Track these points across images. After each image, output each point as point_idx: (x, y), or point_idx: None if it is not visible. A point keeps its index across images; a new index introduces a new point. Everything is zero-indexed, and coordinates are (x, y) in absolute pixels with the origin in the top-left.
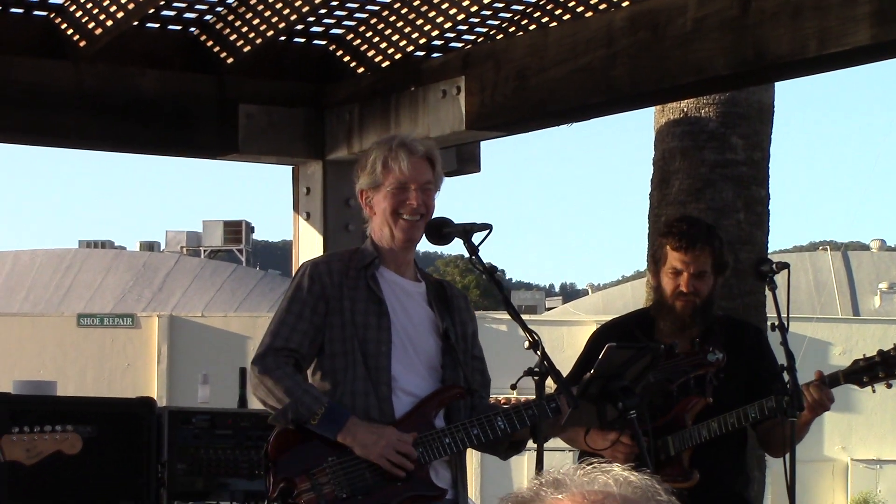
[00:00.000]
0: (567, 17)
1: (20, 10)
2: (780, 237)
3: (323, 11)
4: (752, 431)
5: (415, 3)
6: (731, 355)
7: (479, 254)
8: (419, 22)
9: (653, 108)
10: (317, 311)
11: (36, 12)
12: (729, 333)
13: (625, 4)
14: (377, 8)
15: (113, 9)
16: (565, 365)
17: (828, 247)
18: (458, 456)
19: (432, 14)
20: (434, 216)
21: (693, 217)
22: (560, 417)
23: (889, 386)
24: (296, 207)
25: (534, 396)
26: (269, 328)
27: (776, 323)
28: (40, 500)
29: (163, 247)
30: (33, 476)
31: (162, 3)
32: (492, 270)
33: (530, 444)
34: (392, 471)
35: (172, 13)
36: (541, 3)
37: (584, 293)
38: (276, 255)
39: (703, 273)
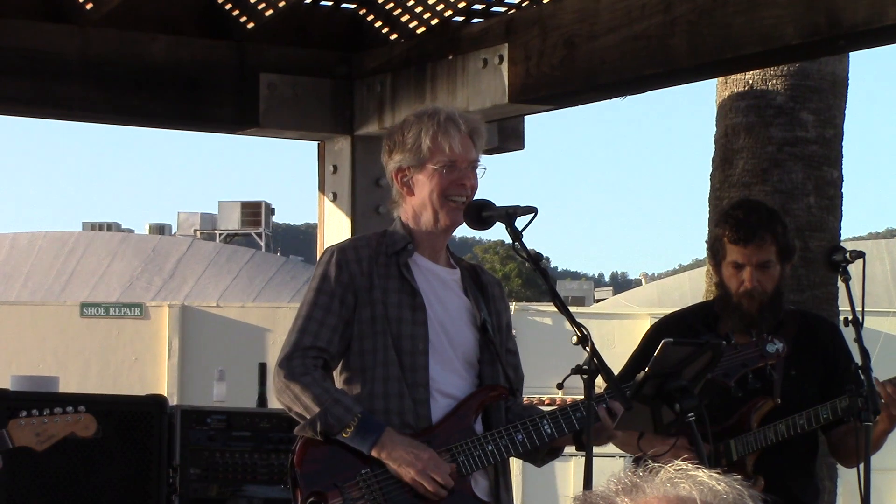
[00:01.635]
0: None
1: None
2: (855, 223)
3: None
4: (823, 438)
5: None
6: (803, 353)
7: (523, 239)
8: None
9: (715, 81)
10: (345, 303)
11: None
12: (801, 329)
13: None
14: None
15: None
16: (616, 362)
17: None
18: (502, 461)
19: None
20: (473, 198)
21: (751, 201)
22: (610, 421)
23: None
24: (321, 187)
25: (581, 397)
26: (294, 324)
27: (850, 318)
28: None
29: (174, 230)
30: (36, 476)
31: None
32: (536, 258)
33: (571, 449)
34: (426, 495)
35: None
36: None
37: (637, 283)
38: (298, 239)
39: (768, 263)
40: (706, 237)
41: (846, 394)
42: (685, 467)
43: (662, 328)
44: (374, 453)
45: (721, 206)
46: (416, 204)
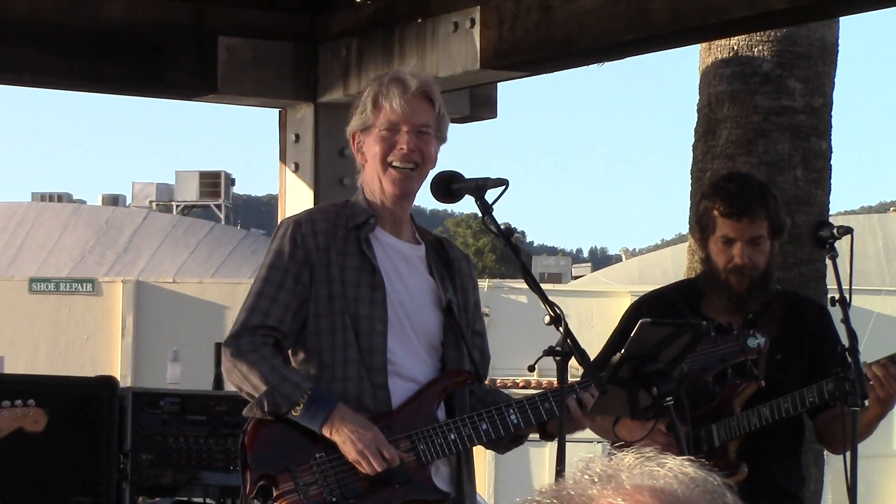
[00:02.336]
0: None
1: None
2: (845, 197)
3: None
4: (809, 423)
5: None
6: (789, 335)
7: (494, 213)
8: None
9: (698, 47)
10: (300, 279)
11: None
12: (788, 311)
13: None
14: None
15: None
16: (595, 342)
17: None
18: (465, 450)
19: None
20: (442, 169)
21: (743, 174)
22: (580, 412)
23: None
24: (282, 157)
25: (554, 380)
26: (245, 302)
27: (837, 297)
28: None
29: (129, 201)
30: None
31: None
32: (508, 233)
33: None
34: (366, 470)
35: None
36: None
37: (618, 260)
38: (260, 211)
39: (759, 239)
40: (690, 211)
41: (832, 377)
42: (653, 454)
43: (643, 307)
44: (324, 431)
45: (704, 178)
46: (367, 172)
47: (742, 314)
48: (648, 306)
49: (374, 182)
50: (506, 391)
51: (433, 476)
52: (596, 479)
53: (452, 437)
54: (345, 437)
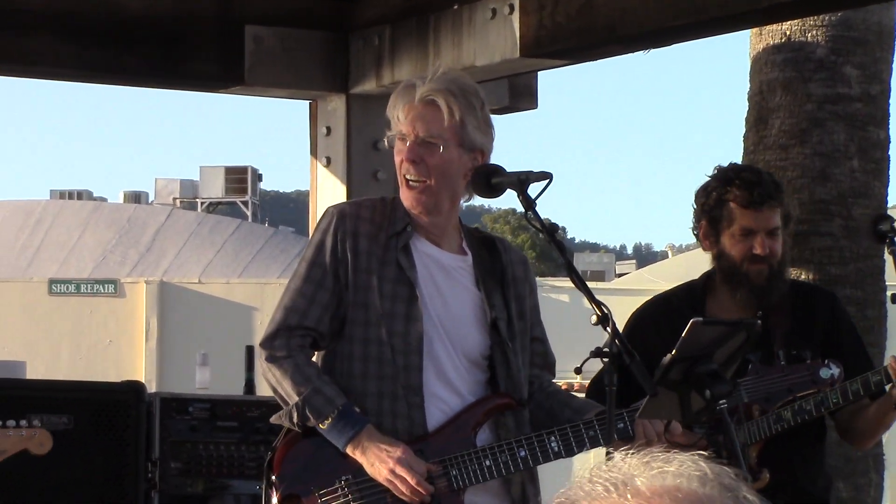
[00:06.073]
0: None
1: None
2: None
3: None
4: (829, 421)
5: None
6: (801, 328)
7: (537, 208)
8: None
9: (748, 32)
10: (339, 277)
11: None
12: (796, 304)
13: None
14: None
15: None
16: None
17: None
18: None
19: None
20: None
21: (749, 165)
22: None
23: None
24: (313, 151)
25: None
26: (282, 299)
27: None
28: None
29: (151, 198)
30: None
31: None
32: (551, 229)
33: None
34: (402, 497)
35: None
36: None
37: (663, 256)
38: (288, 208)
39: (777, 230)
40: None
41: (856, 373)
42: (661, 453)
43: (646, 314)
44: (349, 450)
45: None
46: None
47: (754, 309)
48: (652, 312)
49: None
50: None
51: (477, 493)
52: (610, 487)
53: (487, 463)
54: (373, 459)
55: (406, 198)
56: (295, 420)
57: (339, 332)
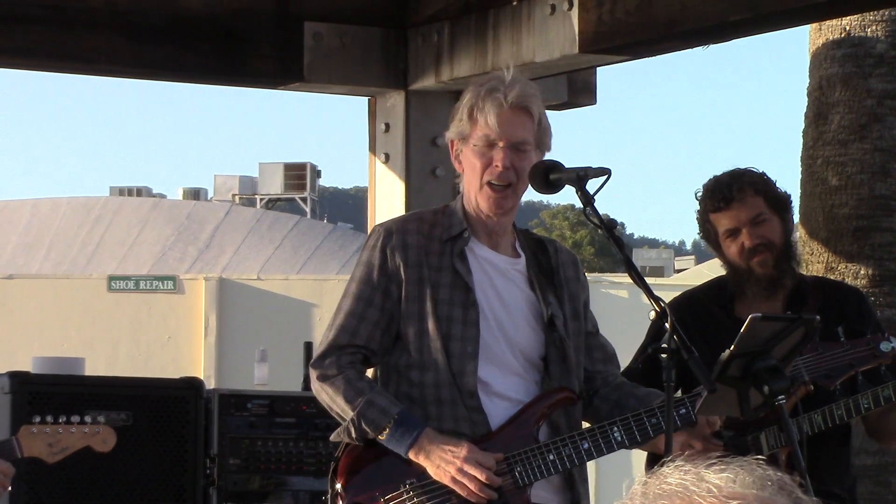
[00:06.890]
0: None
1: None
2: None
3: None
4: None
5: None
6: (829, 326)
7: (595, 204)
8: None
9: (808, 27)
10: (389, 294)
11: None
12: (824, 296)
13: None
14: None
15: None
16: None
17: None
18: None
19: None
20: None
21: (716, 175)
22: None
23: None
24: (372, 147)
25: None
26: (333, 319)
27: None
28: (64, 502)
29: (210, 195)
30: (56, 473)
31: None
32: (610, 225)
33: None
34: (469, 498)
35: None
36: None
37: None
38: (347, 204)
39: (760, 217)
40: (799, 200)
41: (884, 376)
42: (716, 459)
43: (673, 311)
44: (411, 455)
45: (815, 165)
46: (465, 183)
47: (777, 301)
48: (679, 309)
49: (470, 194)
50: None
51: (532, 501)
52: (666, 494)
53: (552, 458)
54: (437, 461)
55: (486, 200)
56: (354, 436)
57: (393, 346)
